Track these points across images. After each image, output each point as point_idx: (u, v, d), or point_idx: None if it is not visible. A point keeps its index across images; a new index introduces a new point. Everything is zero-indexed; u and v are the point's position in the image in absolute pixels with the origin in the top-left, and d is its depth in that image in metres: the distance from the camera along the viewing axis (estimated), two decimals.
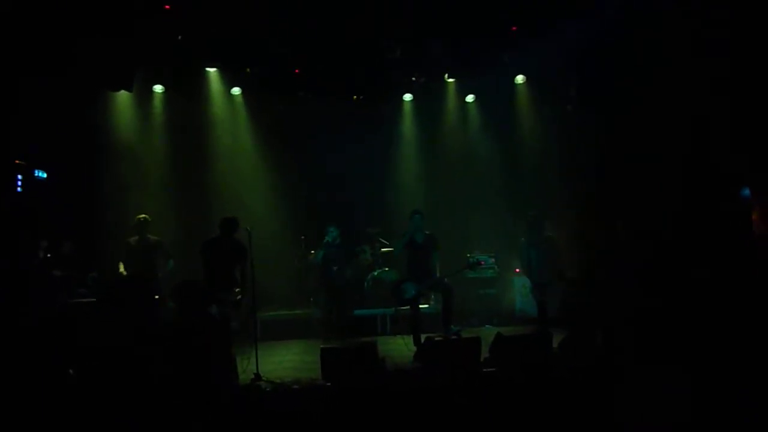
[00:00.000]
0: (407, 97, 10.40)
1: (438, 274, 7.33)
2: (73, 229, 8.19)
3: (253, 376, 6.07)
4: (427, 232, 7.42)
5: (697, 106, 7.40)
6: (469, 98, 10.33)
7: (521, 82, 9.90)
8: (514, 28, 8.46)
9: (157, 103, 9.54)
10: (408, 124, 10.57)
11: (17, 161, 7.32)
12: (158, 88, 9.41)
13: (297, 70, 9.13)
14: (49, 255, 7.34)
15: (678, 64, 7.53)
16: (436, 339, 6.37)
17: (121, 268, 7.80)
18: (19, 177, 7.31)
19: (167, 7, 7.49)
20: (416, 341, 7.16)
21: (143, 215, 7.97)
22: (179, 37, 8.11)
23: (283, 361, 6.95)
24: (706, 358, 5.49)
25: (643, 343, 6.20)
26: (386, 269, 9.24)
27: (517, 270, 9.35)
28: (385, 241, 9.61)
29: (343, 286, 8.26)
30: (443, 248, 7.58)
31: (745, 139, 7.12)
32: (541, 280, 7.25)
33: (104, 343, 5.82)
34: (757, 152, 7.08)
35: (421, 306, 7.54)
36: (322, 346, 6.05)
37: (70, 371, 5.27)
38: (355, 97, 9.85)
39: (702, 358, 5.54)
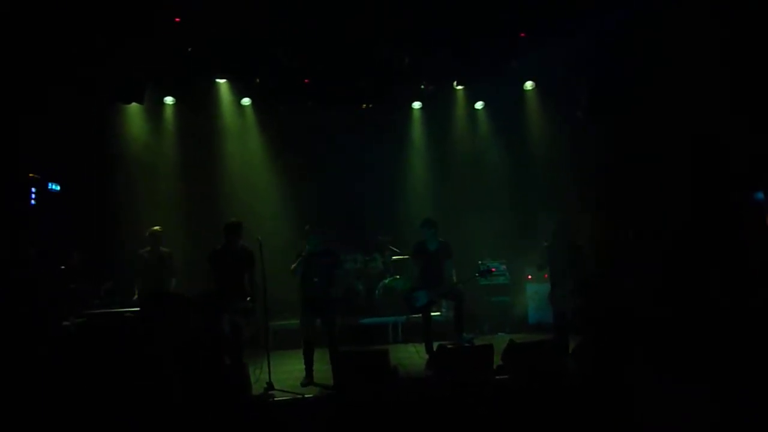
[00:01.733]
0: (416, 104, 10.43)
1: (455, 281, 7.30)
2: (86, 240, 8.25)
3: (265, 386, 6.08)
4: (440, 240, 7.41)
5: (710, 109, 7.35)
6: (478, 105, 10.34)
7: (530, 88, 9.90)
8: (522, 34, 8.46)
9: (168, 115, 9.63)
10: (417, 131, 10.58)
11: (31, 174, 7.40)
12: (169, 100, 9.51)
13: (306, 80, 9.17)
14: (63, 267, 7.41)
15: (689, 66, 7.49)
16: (449, 347, 6.35)
17: (136, 289, 7.89)
18: (33, 190, 7.38)
19: (177, 19, 7.57)
20: (428, 349, 7.14)
21: (157, 227, 8.03)
22: (189, 49, 8.18)
23: (295, 371, 6.94)
24: (720, 365, 5.42)
25: (655, 350, 6.13)
26: (397, 277, 9.23)
27: (530, 277, 9.30)
28: (396, 249, 9.61)
29: (325, 299, 6.83)
30: (454, 255, 7.56)
31: (756, 140, 7.05)
32: (563, 289, 7.09)
33: (122, 354, 5.86)
34: None
35: (432, 314, 7.51)
36: (334, 354, 6.04)
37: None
38: (364, 105, 9.88)
39: (715, 364, 5.47)
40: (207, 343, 6.26)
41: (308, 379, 6.50)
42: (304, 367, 6.61)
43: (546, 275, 7.87)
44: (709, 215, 7.58)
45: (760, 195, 7.27)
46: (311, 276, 6.76)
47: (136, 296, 7.77)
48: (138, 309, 7.21)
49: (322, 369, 6.59)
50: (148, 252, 7.97)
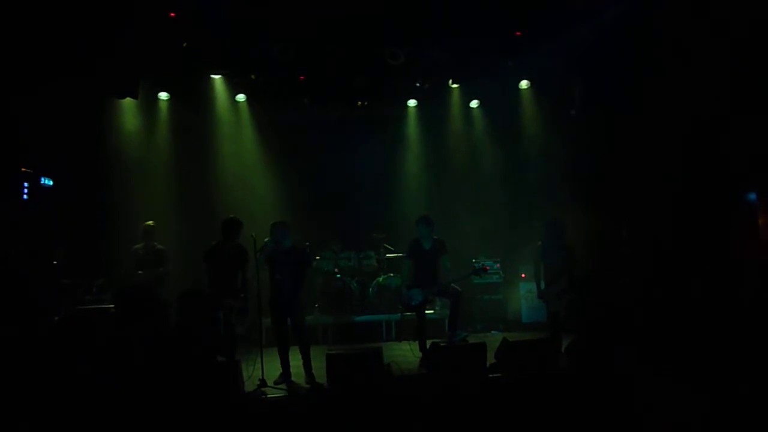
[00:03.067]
0: (411, 102, 10.42)
1: (450, 276, 7.29)
2: (79, 235, 8.21)
3: (258, 383, 6.07)
4: (435, 237, 7.40)
5: (704, 109, 7.38)
6: (474, 104, 10.34)
7: (525, 87, 9.90)
8: (518, 33, 8.47)
9: (163, 110, 9.59)
10: (412, 129, 10.57)
11: (24, 169, 7.36)
12: (163, 95, 9.48)
13: (302, 77, 9.15)
14: (55, 262, 7.38)
15: (684, 66, 7.51)
16: (442, 345, 6.35)
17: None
18: (26, 184, 7.34)
19: (172, 14, 7.53)
20: (422, 347, 7.15)
21: (149, 222, 8.01)
22: (184, 45, 8.15)
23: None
24: (712, 362, 5.45)
25: (648, 347, 6.16)
26: (391, 275, 9.23)
27: (523, 276, 9.32)
28: (390, 247, 9.61)
29: (290, 298, 6.58)
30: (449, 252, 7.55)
31: (749, 141, 7.08)
32: (557, 288, 7.09)
33: (112, 350, 5.84)
34: (762, 154, 7.05)
35: (426, 312, 7.51)
36: (327, 352, 6.03)
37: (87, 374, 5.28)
38: (359, 103, 9.87)
39: (707, 361, 5.50)
40: (200, 340, 6.25)
41: (284, 377, 6.47)
42: (280, 365, 6.55)
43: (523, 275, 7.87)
44: (703, 215, 7.61)
45: (753, 196, 7.30)
46: (274, 274, 6.59)
47: None
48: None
49: (316, 366, 6.58)
50: (142, 248, 7.96)
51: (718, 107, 7.24)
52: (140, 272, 7.83)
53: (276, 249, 6.58)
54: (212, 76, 9.33)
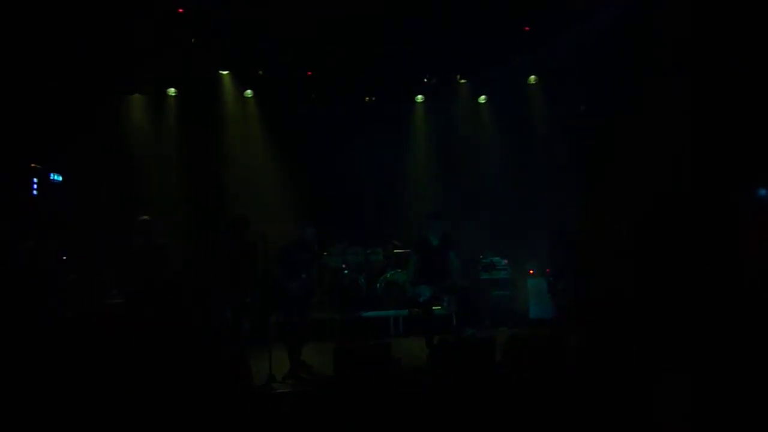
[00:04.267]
0: (419, 98, 10.40)
1: (456, 273, 7.28)
2: (86, 231, 8.24)
3: (267, 377, 6.09)
4: (443, 232, 7.38)
5: (713, 104, 7.33)
6: (482, 99, 10.30)
7: (534, 82, 9.86)
8: (526, 28, 8.43)
9: (171, 106, 9.62)
10: (420, 125, 10.56)
11: (33, 165, 7.39)
12: (171, 91, 9.49)
13: (309, 72, 9.15)
14: (65, 257, 7.41)
15: (691, 60, 7.47)
16: (449, 341, 6.35)
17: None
18: (35, 180, 7.38)
19: (180, 10, 7.55)
20: (429, 343, 7.14)
21: (146, 216, 7.93)
22: (192, 40, 8.16)
23: None
24: (717, 357, 5.44)
25: (654, 342, 6.15)
26: (399, 271, 9.23)
27: (531, 272, 9.30)
28: (398, 243, 9.60)
29: (298, 294, 6.62)
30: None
31: (754, 139, 7.04)
32: (564, 283, 7.08)
33: (121, 345, 5.88)
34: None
35: (433, 307, 7.50)
36: (336, 346, 6.04)
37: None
38: (367, 98, 9.86)
39: (712, 356, 5.49)
40: (209, 335, 6.28)
41: (292, 372, 6.47)
42: (290, 360, 6.56)
43: (548, 270, 7.90)
44: (710, 211, 7.57)
45: (764, 191, 7.26)
46: (287, 270, 6.61)
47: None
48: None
49: (324, 361, 6.60)
50: (142, 243, 7.86)
51: (728, 102, 7.19)
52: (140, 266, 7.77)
53: (297, 243, 6.68)
54: (220, 71, 9.35)
